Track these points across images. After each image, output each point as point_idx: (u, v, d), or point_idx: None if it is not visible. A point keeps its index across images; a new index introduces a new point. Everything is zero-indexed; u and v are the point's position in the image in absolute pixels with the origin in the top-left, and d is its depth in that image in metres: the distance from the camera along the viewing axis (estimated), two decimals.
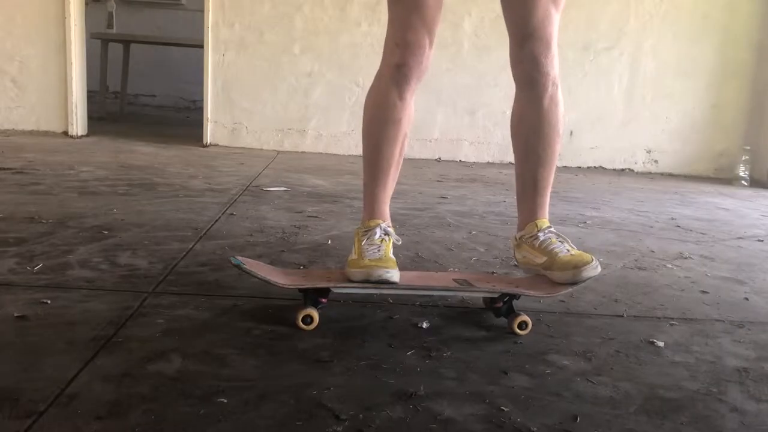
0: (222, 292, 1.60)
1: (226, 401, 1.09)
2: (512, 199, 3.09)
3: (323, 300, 1.47)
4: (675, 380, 1.29)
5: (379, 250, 1.52)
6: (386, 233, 1.58)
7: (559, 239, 1.57)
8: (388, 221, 1.62)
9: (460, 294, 1.63)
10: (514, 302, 1.51)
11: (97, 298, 1.50)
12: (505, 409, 1.13)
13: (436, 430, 1.05)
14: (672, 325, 1.60)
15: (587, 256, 1.51)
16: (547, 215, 1.63)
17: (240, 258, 1.51)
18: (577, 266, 1.49)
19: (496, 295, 1.52)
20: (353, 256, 1.53)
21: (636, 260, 2.16)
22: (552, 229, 1.60)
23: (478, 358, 1.33)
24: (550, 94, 1.56)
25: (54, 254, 1.79)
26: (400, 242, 1.67)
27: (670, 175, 4.44)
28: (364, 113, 1.63)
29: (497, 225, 2.53)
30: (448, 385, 1.20)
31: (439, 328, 1.48)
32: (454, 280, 1.58)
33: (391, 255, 1.54)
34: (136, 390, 1.10)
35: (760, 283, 2.01)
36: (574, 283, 1.51)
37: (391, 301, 1.61)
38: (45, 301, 1.46)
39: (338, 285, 1.47)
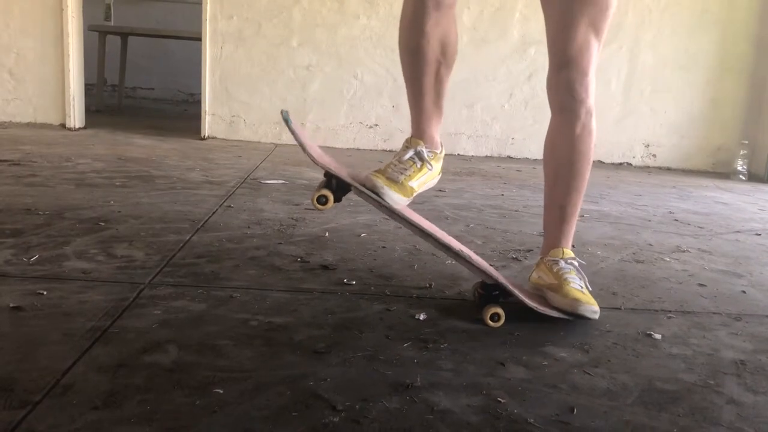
0: (218, 283, 1.60)
1: (221, 392, 1.08)
2: (510, 192, 3.12)
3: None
4: (672, 372, 1.30)
5: (403, 172, 1.52)
6: (420, 158, 1.56)
7: (578, 274, 1.57)
8: (431, 145, 1.60)
9: (451, 259, 1.58)
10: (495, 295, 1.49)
11: (93, 289, 1.50)
12: (502, 401, 1.13)
13: (433, 422, 1.05)
14: (669, 317, 1.60)
15: (593, 301, 1.51)
16: (570, 245, 1.63)
17: (290, 116, 1.48)
18: (579, 300, 1.48)
19: (489, 281, 1.50)
20: (382, 166, 1.55)
21: (634, 253, 2.16)
22: (575, 263, 1.59)
23: (474, 350, 1.33)
24: (582, 122, 1.54)
25: (50, 245, 1.78)
26: (434, 170, 1.61)
27: (668, 170, 4.44)
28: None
29: (495, 218, 2.53)
30: (445, 377, 1.20)
31: (436, 319, 1.48)
32: (456, 247, 1.51)
33: (410, 184, 1.52)
34: (132, 381, 1.10)
35: (758, 276, 2.01)
36: (566, 313, 1.49)
37: (388, 293, 1.61)
38: (41, 292, 1.45)
39: (354, 183, 1.46)
